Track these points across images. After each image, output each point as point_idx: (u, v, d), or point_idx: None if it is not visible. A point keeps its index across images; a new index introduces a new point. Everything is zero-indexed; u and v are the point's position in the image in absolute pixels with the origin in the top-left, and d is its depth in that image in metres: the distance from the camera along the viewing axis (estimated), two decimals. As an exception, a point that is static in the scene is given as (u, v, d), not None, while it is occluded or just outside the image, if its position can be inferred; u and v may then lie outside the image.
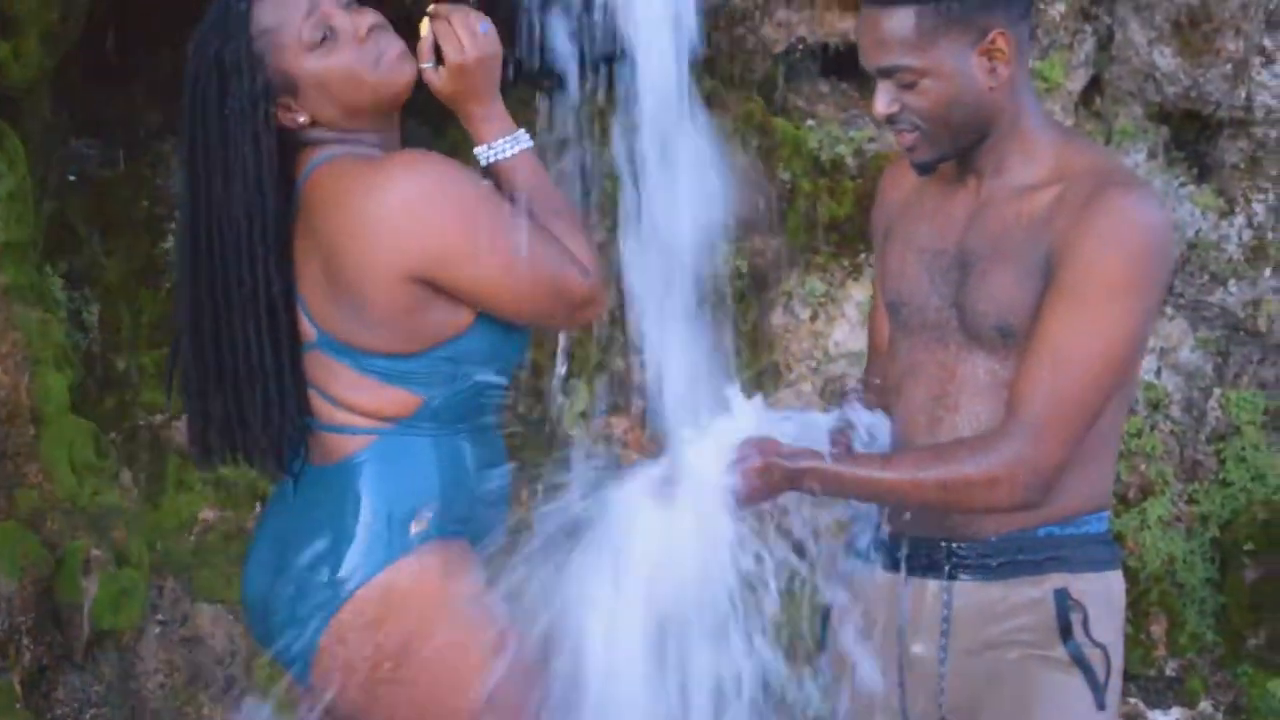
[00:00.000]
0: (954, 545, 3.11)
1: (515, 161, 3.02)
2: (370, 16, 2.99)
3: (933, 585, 3.14)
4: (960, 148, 3.04)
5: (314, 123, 2.97)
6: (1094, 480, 3.11)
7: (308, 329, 2.97)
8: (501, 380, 3.05)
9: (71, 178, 5.25)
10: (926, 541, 3.14)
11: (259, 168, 2.92)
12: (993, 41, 2.97)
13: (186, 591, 5.09)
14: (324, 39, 2.93)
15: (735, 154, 5.51)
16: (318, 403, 3.00)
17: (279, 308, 2.93)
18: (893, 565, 3.19)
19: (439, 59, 2.99)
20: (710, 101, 5.56)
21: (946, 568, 3.12)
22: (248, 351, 2.94)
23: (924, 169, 3.09)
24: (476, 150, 3.05)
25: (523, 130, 3.05)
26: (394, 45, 2.99)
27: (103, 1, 4.78)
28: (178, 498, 5.22)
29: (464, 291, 2.89)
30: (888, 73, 2.98)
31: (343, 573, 2.93)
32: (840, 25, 5.58)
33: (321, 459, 3.01)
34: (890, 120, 3.02)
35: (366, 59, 2.95)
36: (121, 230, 5.30)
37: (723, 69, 5.55)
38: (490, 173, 3.03)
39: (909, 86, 2.97)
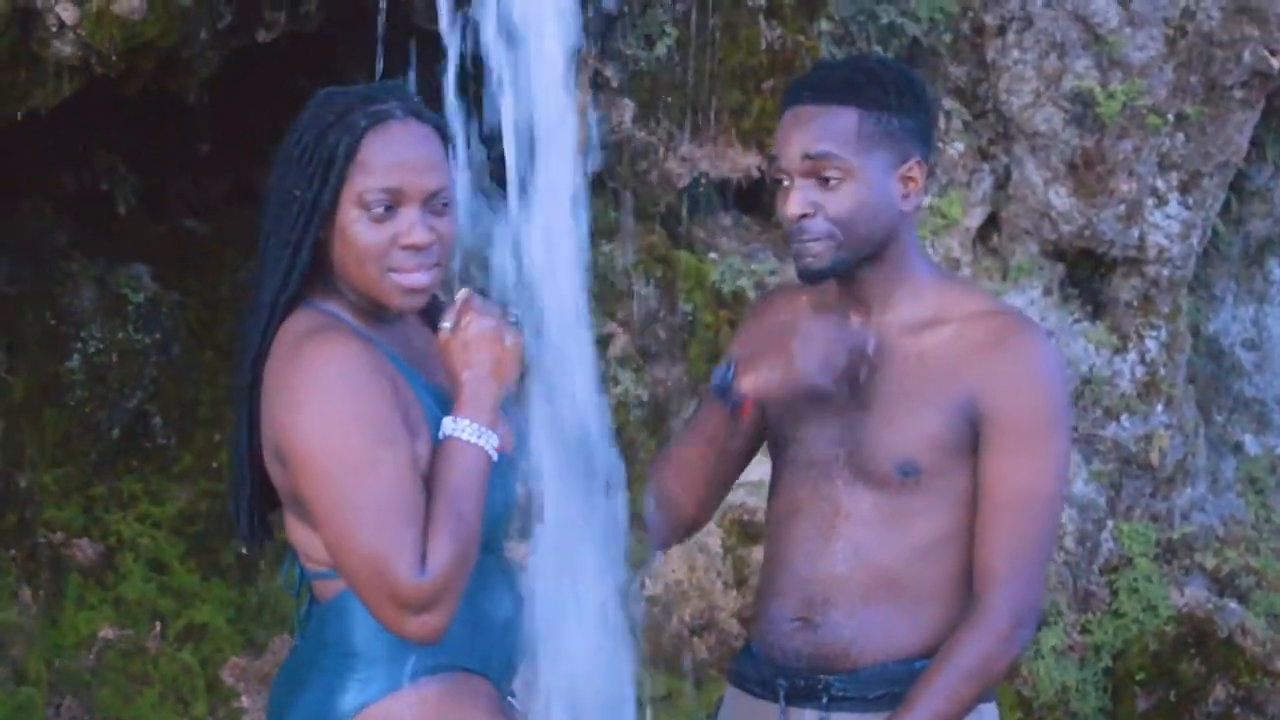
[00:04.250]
0: (830, 679, 3.16)
1: (461, 448, 2.81)
2: (441, 236, 2.86)
3: (810, 716, 3.18)
4: (855, 261, 3.11)
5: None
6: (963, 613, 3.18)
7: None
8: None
9: (-23, 295, 5.27)
10: (804, 674, 3.18)
11: (292, 257, 2.86)
12: (910, 168, 3.11)
13: (85, 710, 5.08)
14: (382, 213, 2.83)
15: (638, 285, 5.59)
16: (301, 551, 2.94)
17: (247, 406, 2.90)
18: (770, 695, 3.23)
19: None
20: (614, 233, 5.65)
21: (824, 699, 3.16)
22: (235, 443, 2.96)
23: (816, 277, 3.13)
24: (445, 419, 2.85)
25: (493, 434, 2.83)
26: (423, 277, 2.86)
27: (14, 121, 4.80)
28: (77, 616, 5.21)
29: (308, 509, 2.80)
30: (815, 165, 3.05)
31: (341, 704, 2.87)
32: (742, 161, 5.67)
33: (319, 597, 2.95)
34: (797, 225, 3.07)
35: (384, 261, 2.84)
36: (26, 348, 5.31)
37: (626, 202, 5.62)
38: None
39: (830, 188, 3.05)
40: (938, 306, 3.16)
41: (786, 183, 3.11)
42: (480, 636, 2.92)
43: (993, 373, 3.08)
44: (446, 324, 2.89)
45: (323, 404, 2.74)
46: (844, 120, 3.06)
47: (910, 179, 3.11)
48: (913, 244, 3.19)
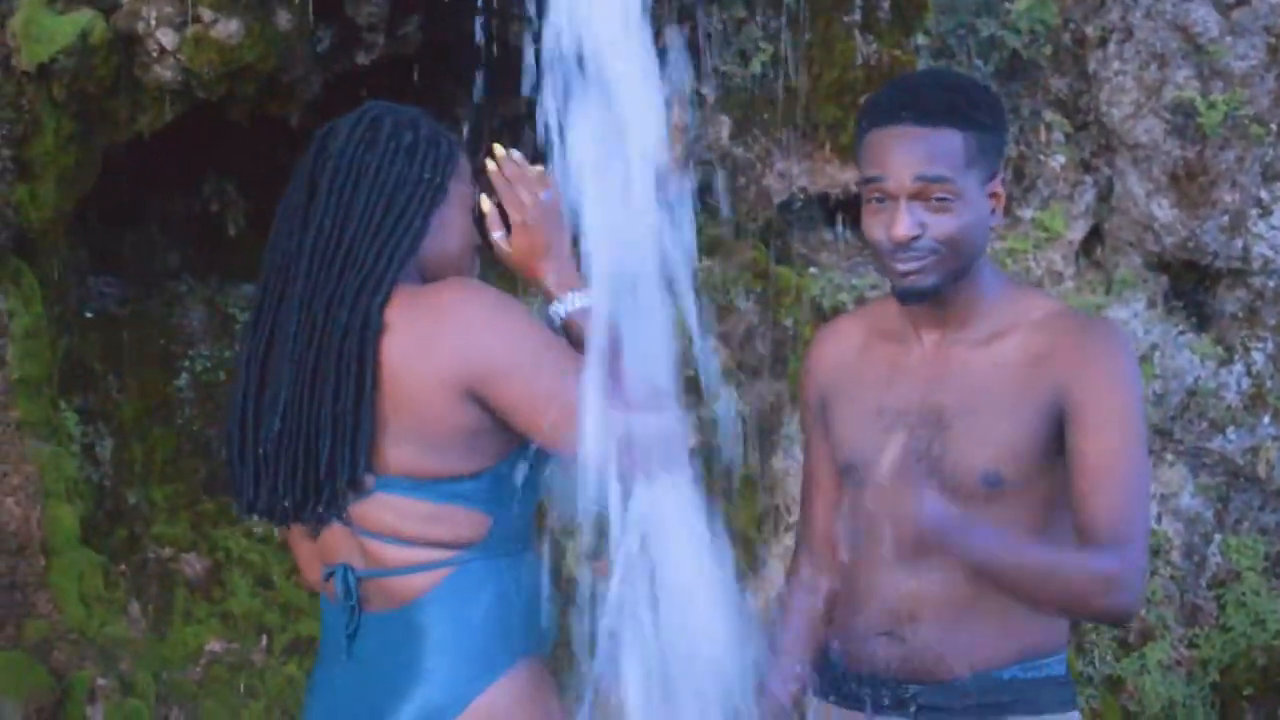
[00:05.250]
0: (918, 689, 3.15)
1: (576, 319, 3.04)
2: None
3: None
4: (955, 281, 3.09)
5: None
6: (1054, 622, 3.17)
7: (365, 478, 2.99)
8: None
9: (88, 315, 5.37)
10: (890, 683, 3.17)
11: (423, 223, 3.06)
12: (996, 185, 3.10)
13: (192, 722, 5.15)
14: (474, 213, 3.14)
15: (738, 300, 5.60)
16: (379, 549, 3.01)
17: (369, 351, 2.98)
18: (855, 704, 3.23)
19: (507, 226, 3.13)
20: (713, 249, 5.66)
21: (913, 709, 3.16)
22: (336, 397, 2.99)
23: (920, 297, 3.09)
24: (550, 308, 3.08)
25: (580, 292, 3.07)
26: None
27: (119, 145, 4.90)
28: (185, 629, 5.29)
29: (511, 408, 2.93)
30: (928, 187, 3.02)
31: (443, 705, 2.96)
32: (840, 176, 5.67)
33: (387, 604, 3.02)
34: (905, 246, 3.03)
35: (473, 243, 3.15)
36: (136, 367, 5.40)
37: (725, 217, 5.64)
38: (564, 329, 3.06)
39: (940, 209, 3.02)
40: (1007, 316, 3.15)
41: (882, 201, 3.07)
42: (539, 623, 3.06)
43: (1077, 368, 3.05)
44: (497, 234, 3.12)
45: (510, 318, 2.94)
46: (951, 142, 3.03)
47: (996, 195, 3.10)
48: (987, 257, 3.20)
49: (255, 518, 3.12)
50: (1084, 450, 3.04)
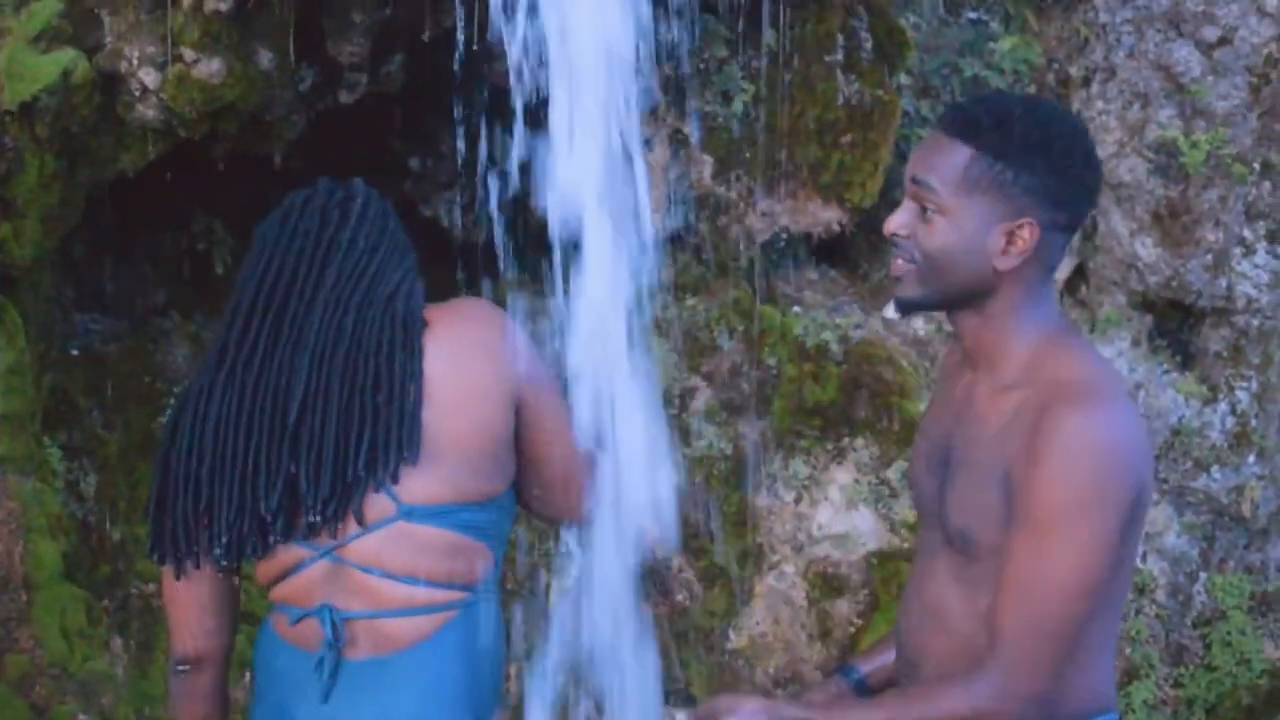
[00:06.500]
0: None
1: None
2: None
3: None
4: (941, 303, 3.02)
5: None
6: (1074, 682, 2.98)
7: (386, 505, 3.00)
8: None
9: (73, 351, 5.39)
10: None
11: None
12: (1020, 226, 2.93)
13: (174, 758, 5.14)
14: None
15: (721, 339, 5.62)
16: (382, 588, 3.01)
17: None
18: None
19: None
20: (697, 288, 5.68)
21: None
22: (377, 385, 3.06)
23: (902, 306, 3.06)
24: None
25: None
26: None
27: (105, 183, 4.93)
28: (167, 665, 5.28)
29: (544, 418, 3.12)
30: (917, 191, 2.97)
31: None
32: (823, 215, 5.67)
33: (375, 649, 3.03)
34: (893, 242, 3.00)
35: None
36: (122, 404, 5.42)
37: (708, 256, 5.65)
38: None
39: (925, 219, 2.95)
40: (1026, 370, 2.98)
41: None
42: (505, 668, 3.15)
43: (1026, 444, 2.86)
44: None
45: (521, 332, 3.14)
46: (955, 157, 2.94)
47: (1017, 237, 2.94)
48: (1023, 303, 2.99)
49: (220, 539, 3.09)
50: (1011, 543, 2.88)
